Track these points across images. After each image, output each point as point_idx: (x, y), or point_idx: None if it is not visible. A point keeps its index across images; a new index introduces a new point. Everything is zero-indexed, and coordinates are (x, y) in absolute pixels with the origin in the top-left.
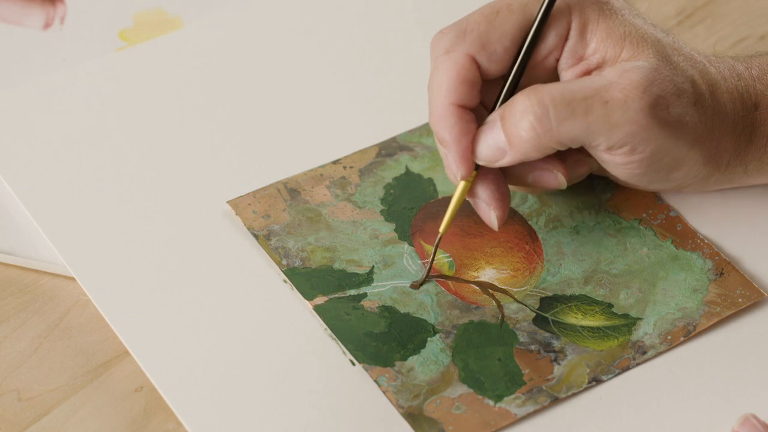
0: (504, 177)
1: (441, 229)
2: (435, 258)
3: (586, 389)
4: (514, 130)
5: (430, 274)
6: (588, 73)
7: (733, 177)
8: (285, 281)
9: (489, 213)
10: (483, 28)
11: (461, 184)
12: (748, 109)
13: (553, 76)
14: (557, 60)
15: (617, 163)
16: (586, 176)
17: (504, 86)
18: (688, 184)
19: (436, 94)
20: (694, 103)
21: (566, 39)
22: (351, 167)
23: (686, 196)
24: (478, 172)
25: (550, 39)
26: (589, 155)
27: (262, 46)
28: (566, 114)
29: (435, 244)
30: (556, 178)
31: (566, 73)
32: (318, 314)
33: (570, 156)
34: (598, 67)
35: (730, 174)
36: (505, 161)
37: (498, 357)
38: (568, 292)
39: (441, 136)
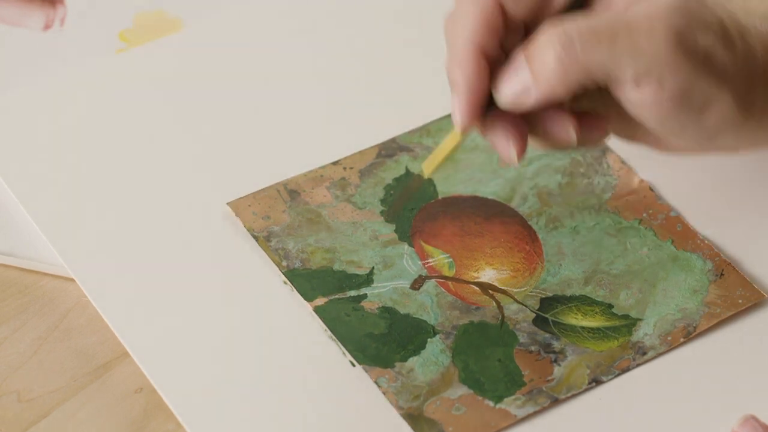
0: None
1: (424, 167)
2: (434, 259)
3: (586, 390)
4: (540, 64)
5: (431, 275)
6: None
7: None
8: (285, 282)
9: (508, 148)
10: None
11: (456, 134)
12: None
13: None
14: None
15: (647, 104)
16: (587, 177)
17: (528, 32)
18: (723, 129)
19: (459, 37)
20: (723, 39)
21: None
22: (351, 168)
23: (687, 196)
24: (494, 112)
25: None
26: (604, 118)
27: (262, 48)
28: (592, 41)
29: (416, 184)
30: (567, 133)
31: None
32: (318, 315)
33: (585, 119)
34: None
35: (766, 123)
36: (531, 100)
37: (498, 358)
38: (568, 292)
39: (455, 79)
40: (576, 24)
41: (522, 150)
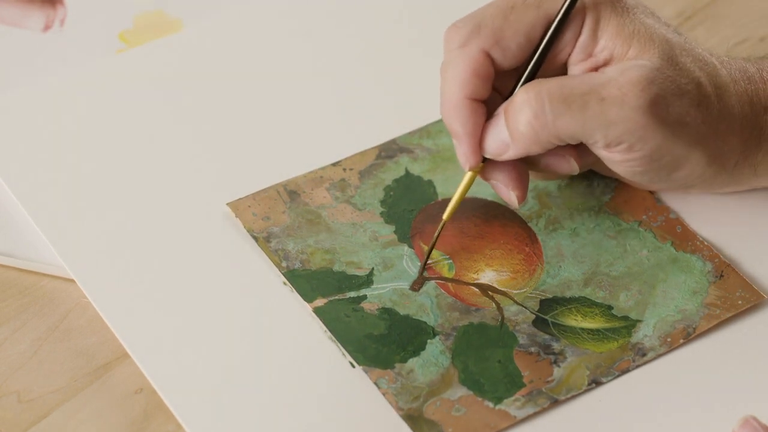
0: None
1: (445, 216)
2: (433, 260)
3: (586, 391)
4: (514, 125)
5: (430, 276)
6: (595, 69)
7: (741, 178)
8: (285, 283)
9: (508, 194)
10: (498, 23)
11: (468, 174)
12: (757, 112)
13: (562, 70)
14: (569, 55)
15: (617, 161)
16: (587, 178)
17: (517, 83)
18: (693, 184)
19: (450, 88)
20: (698, 104)
21: (579, 34)
22: (351, 169)
23: (686, 197)
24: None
25: (566, 36)
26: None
27: (262, 49)
28: (562, 109)
29: (438, 230)
30: (569, 164)
31: (575, 67)
32: (318, 316)
33: (581, 144)
34: (606, 64)
35: (738, 175)
36: (509, 155)
37: (498, 359)
38: (568, 294)
39: (454, 129)
40: (548, 87)
41: (523, 195)
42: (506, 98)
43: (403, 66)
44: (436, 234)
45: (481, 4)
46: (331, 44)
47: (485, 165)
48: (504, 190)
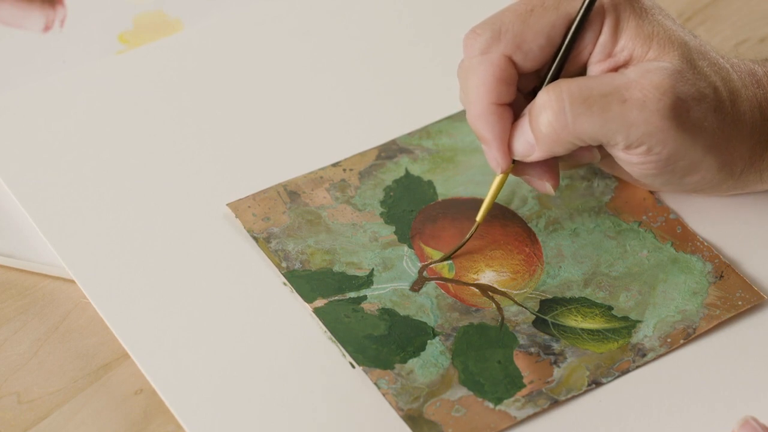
0: None
1: (478, 218)
2: (434, 261)
3: (586, 392)
4: (536, 126)
5: (430, 276)
6: (615, 69)
7: (747, 184)
8: (285, 284)
9: (543, 185)
10: (518, 27)
11: (499, 176)
12: (766, 117)
13: (582, 71)
14: (589, 55)
15: (633, 163)
16: (587, 179)
17: (541, 85)
18: (702, 189)
19: (476, 95)
20: (714, 109)
21: (599, 34)
22: (351, 170)
23: (686, 198)
24: None
25: (587, 35)
26: None
27: (262, 49)
28: (582, 110)
29: (471, 231)
30: (591, 153)
31: (594, 67)
32: (318, 317)
33: None
34: (625, 64)
35: (744, 181)
36: (535, 156)
37: (498, 359)
38: (568, 294)
39: (481, 134)
40: (569, 88)
41: (557, 182)
42: (529, 98)
43: (403, 66)
44: (468, 235)
45: (481, 5)
46: (330, 44)
47: (515, 164)
48: (538, 183)
